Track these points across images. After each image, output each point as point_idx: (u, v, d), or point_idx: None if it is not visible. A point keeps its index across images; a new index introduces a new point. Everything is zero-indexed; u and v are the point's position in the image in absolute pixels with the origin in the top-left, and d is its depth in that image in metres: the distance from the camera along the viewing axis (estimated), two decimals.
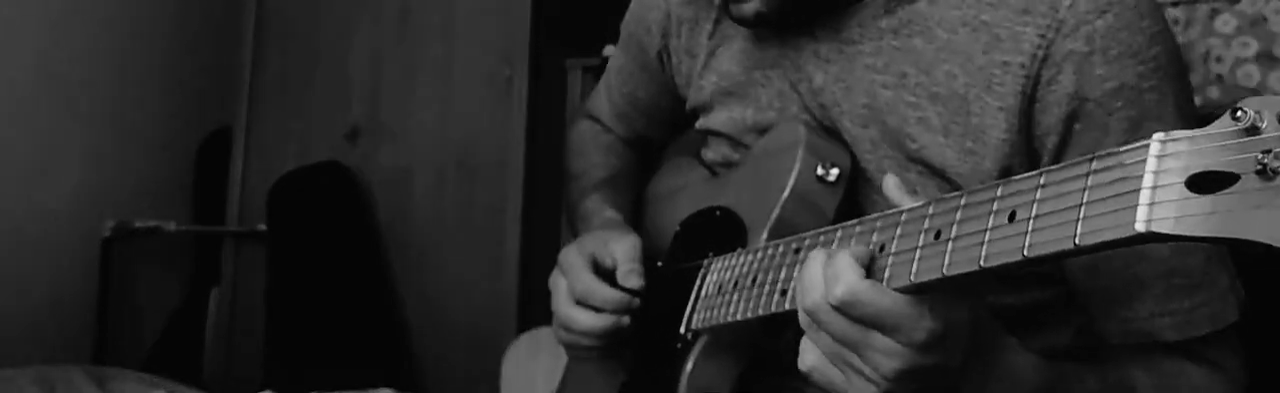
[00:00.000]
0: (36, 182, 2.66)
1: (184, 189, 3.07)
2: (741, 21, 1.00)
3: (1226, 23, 1.95)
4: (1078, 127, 0.87)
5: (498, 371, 2.34)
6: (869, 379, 0.72)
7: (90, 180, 2.80)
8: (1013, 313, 0.95)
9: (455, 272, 2.75)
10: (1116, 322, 0.90)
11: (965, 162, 0.91)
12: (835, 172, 0.97)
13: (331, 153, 2.92)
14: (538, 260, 2.68)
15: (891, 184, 0.77)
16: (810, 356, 0.77)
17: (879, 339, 0.71)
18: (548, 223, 2.68)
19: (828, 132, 1.01)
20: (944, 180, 0.93)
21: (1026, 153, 0.90)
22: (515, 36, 2.70)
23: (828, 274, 0.72)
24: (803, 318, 0.75)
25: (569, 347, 1.09)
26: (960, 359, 0.73)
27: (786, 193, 0.97)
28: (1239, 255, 0.92)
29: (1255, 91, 1.95)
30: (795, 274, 0.84)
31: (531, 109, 2.68)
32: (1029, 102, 0.88)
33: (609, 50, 2.51)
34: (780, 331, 0.95)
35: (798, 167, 0.97)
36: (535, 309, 2.66)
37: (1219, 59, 1.98)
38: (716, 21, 1.11)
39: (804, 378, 1.04)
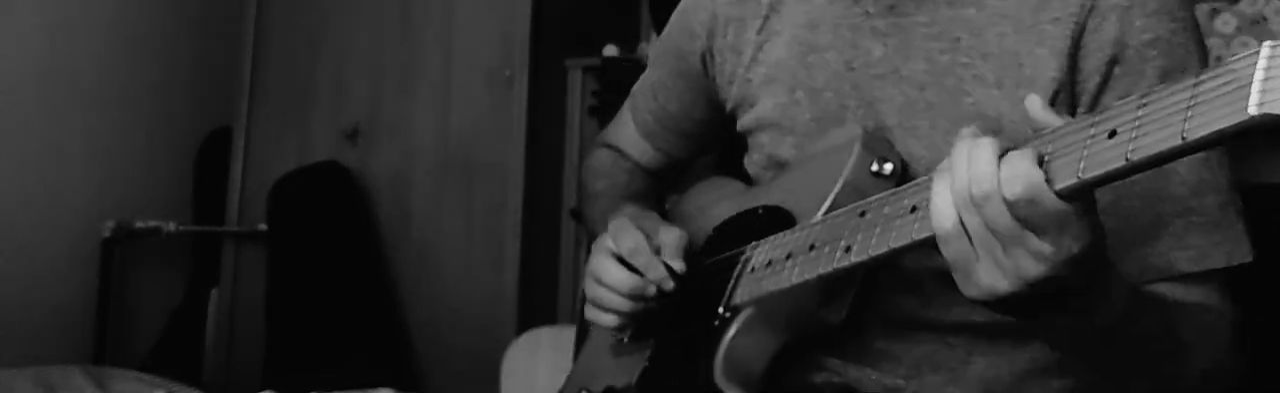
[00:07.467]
0: (36, 182, 2.66)
1: (184, 189, 3.07)
2: None
3: (1227, 23, 1.95)
4: (1117, 70, 0.98)
5: (498, 370, 2.34)
6: (1005, 275, 0.74)
7: (90, 180, 2.80)
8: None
9: (455, 272, 2.75)
10: (1135, 261, 0.95)
11: (1018, 108, 0.96)
12: (889, 167, 1.00)
13: (331, 153, 2.92)
14: (538, 260, 2.68)
15: (1036, 104, 0.77)
16: (947, 220, 0.76)
17: (1034, 242, 0.72)
18: (548, 223, 2.68)
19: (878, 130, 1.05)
20: (999, 129, 0.99)
21: (1069, 92, 0.99)
22: (515, 36, 2.69)
23: (1005, 168, 0.72)
24: (960, 199, 0.74)
25: (593, 302, 1.10)
26: (1090, 282, 0.76)
27: (840, 183, 0.98)
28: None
29: None
30: (859, 234, 0.85)
31: (531, 109, 2.68)
32: (1075, 46, 0.99)
33: (609, 50, 2.51)
34: (835, 298, 0.97)
35: (853, 160, 0.99)
36: (535, 309, 2.66)
37: (1219, 59, 1.98)
38: (765, 18, 1.16)
39: (843, 355, 1.04)
